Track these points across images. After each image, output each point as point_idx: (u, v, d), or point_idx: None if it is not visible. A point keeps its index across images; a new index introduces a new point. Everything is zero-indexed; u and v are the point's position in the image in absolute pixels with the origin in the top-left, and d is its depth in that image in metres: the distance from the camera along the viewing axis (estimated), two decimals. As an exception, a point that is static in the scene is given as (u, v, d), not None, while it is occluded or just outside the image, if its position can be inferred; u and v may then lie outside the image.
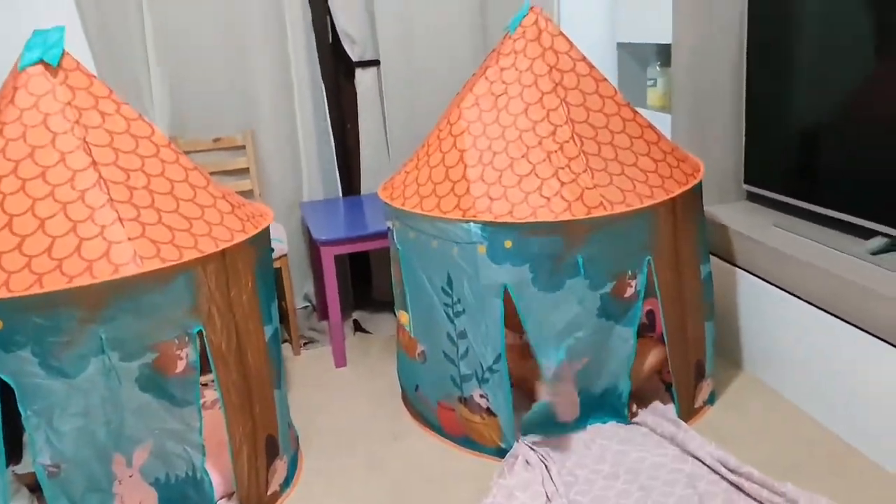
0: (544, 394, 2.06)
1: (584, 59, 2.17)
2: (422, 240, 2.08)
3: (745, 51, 2.51)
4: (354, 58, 2.91)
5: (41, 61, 1.72)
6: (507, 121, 2.08)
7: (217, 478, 1.89)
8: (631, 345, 2.07)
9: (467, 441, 2.18)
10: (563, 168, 2.00)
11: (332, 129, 2.96)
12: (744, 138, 2.58)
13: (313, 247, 2.95)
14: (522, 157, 2.03)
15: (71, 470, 1.64)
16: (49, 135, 1.69)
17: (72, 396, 1.60)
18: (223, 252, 1.77)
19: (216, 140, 2.84)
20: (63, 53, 1.75)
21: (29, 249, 1.57)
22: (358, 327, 3.01)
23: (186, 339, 1.72)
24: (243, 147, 2.87)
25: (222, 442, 1.86)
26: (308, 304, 3.04)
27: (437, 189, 2.07)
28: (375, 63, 2.93)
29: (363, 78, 2.93)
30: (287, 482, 2.06)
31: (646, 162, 2.09)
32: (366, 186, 3.03)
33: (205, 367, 1.78)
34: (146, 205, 1.72)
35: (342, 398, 2.51)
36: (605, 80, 2.17)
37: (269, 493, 1.98)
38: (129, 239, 1.64)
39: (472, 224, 1.96)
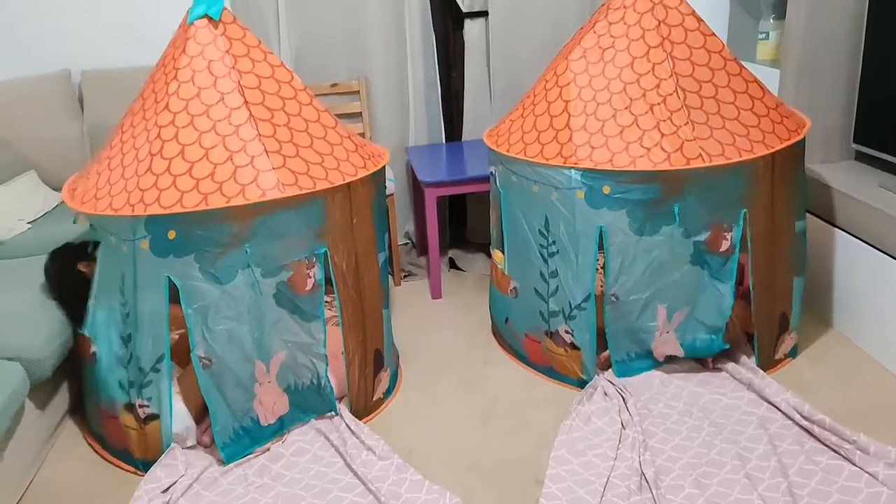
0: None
1: (692, 13, 2.23)
2: (523, 184, 2.24)
3: (867, 2, 2.45)
4: (464, 8, 3.04)
5: (206, 16, 1.98)
6: (613, 73, 2.18)
7: (333, 384, 2.16)
8: (728, 301, 2.15)
9: (550, 371, 2.37)
10: (664, 120, 2.10)
11: (438, 77, 3.12)
12: (857, 95, 2.53)
13: (416, 188, 3.16)
14: (626, 108, 2.14)
15: (220, 365, 1.93)
16: (212, 78, 1.95)
17: (223, 300, 1.89)
18: (348, 185, 2.00)
19: (333, 85, 3.07)
20: (223, 9, 2.00)
21: (197, 173, 1.85)
22: (452, 265, 3.22)
23: (314, 259, 1.97)
24: (357, 92, 3.09)
25: (337, 353, 2.12)
26: (408, 240, 3.27)
27: (541, 137, 2.21)
28: (484, 14, 3.06)
29: (471, 28, 3.07)
30: (389, 391, 2.32)
31: (748, 117, 2.15)
32: (467, 133, 3.20)
33: (325, 289, 2.03)
34: (286, 140, 1.96)
35: (438, 325, 2.75)
36: (713, 34, 2.22)
37: (374, 399, 2.24)
38: (274, 168, 1.89)
39: (572, 171, 2.11)
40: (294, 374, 2.05)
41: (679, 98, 2.13)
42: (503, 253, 2.44)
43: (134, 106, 2.05)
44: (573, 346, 2.27)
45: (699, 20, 2.24)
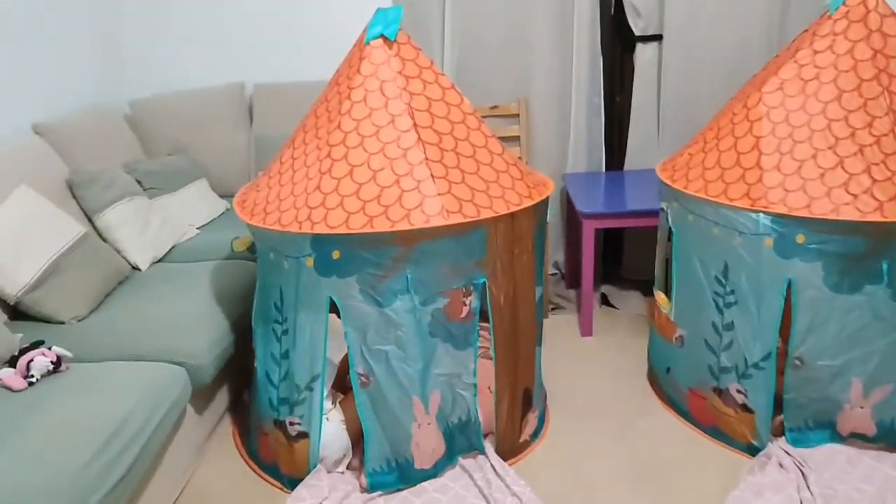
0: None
1: (915, 43, 1.95)
2: (701, 224, 2.05)
3: None
4: (637, 31, 2.89)
5: (382, 35, 1.96)
6: (815, 108, 1.95)
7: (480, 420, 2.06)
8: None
9: (716, 431, 2.15)
10: (877, 164, 1.85)
11: (603, 102, 2.98)
12: None
13: (571, 217, 3.03)
14: (829, 148, 1.90)
15: (378, 386, 1.89)
16: (383, 99, 1.93)
17: (382, 322, 1.85)
18: (512, 214, 1.91)
19: (493, 107, 3.01)
20: (399, 29, 1.98)
21: (364, 195, 1.83)
22: (604, 301, 3.05)
23: (472, 288, 1.90)
24: (517, 115, 3.01)
25: (485, 388, 2.03)
26: (557, 271, 3.14)
27: (726, 175, 2.02)
28: (657, 38, 2.88)
29: (643, 52, 2.90)
30: (536, 434, 2.20)
31: (979, 166, 1.85)
32: (630, 162, 3.02)
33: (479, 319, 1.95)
34: (453, 165, 1.91)
35: (588, 366, 2.59)
36: (940, 69, 1.93)
37: (520, 440, 2.13)
38: (439, 194, 1.84)
39: (761, 214, 1.90)
40: (448, 413, 1.98)
41: (895, 139, 1.86)
42: (669, 295, 2.25)
43: (307, 122, 2.07)
44: (745, 408, 2.04)
45: (924, 50, 1.96)
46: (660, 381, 2.38)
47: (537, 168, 3.02)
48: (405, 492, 1.95)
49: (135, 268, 2.57)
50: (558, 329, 2.84)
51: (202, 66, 3.32)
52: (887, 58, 1.93)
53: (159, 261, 2.67)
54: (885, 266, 1.82)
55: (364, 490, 1.95)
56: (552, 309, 3.00)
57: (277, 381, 1.98)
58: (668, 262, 2.37)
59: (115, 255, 2.51)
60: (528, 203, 1.96)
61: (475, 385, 1.97)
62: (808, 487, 1.88)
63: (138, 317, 2.17)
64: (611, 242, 3.18)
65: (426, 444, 1.95)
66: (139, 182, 2.80)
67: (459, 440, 2.02)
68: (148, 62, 3.33)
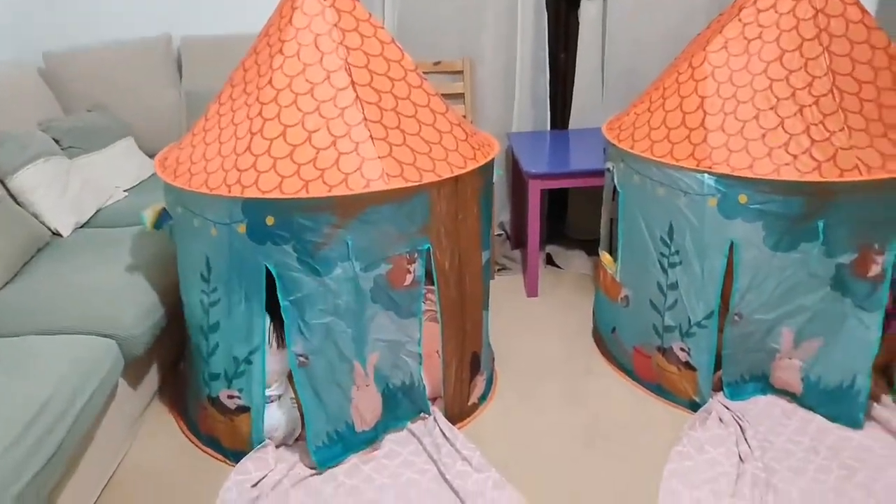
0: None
1: (856, 2, 1.97)
2: (646, 185, 2.05)
3: None
4: (581, -13, 2.83)
5: (314, -17, 1.83)
6: (758, 68, 1.95)
7: (426, 384, 2.04)
8: (874, 335, 1.90)
9: (659, 388, 2.19)
10: (816, 124, 1.87)
11: (548, 60, 2.93)
12: None
13: (516, 177, 3.00)
14: (771, 108, 1.91)
15: (316, 363, 1.82)
16: (318, 54, 1.82)
17: (321, 292, 1.77)
18: (456, 178, 1.84)
19: (436, 63, 2.92)
20: None
21: (298, 158, 1.73)
22: (549, 261, 3.05)
23: (416, 254, 1.84)
24: (461, 72, 2.93)
25: (432, 352, 2.00)
26: (502, 232, 3.12)
27: (671, 135, 2.01)
28: (601, -6, 2.84)
29: (587, 9, 2.86)
30: (484, 397, 2.19)
31: (914, 126, 1.89)
32: (575, 121, 3.00)
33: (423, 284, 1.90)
34: (394, 126, 1.82)
35: (535, 327, 2.59)
36: (879, 28, 1.96)
37: (469, 403, 2.12)
38: (379, 157, 1.75)
39: (705, 175, 1.90)
40: (388, 375, 1.94)
41: (835, 100, 1.89)
42: (614, 256, 2.26)
43: (234, 77, 1.93)
44: (688, 366, 2.09)
45: (863, 11, 1.97)
46: (605, 340, 2.41)
47: (482, 127, 2.96)
48: (354, 459, 1.92)
49: (55, 233, 2.41)
50: (504, 290, 2.83)
51: (123, 15, 3.09)
52: (828, 17, 1.94)
53: (83, 226, 2.51)
54: (821, 225, 1.86)
55: (311, 465, 1.90)
56: (498, 270, 2.98)
57: (207, 355, 1.89)
58: (612, 223, 2.38)
59: (31, 219, 2.33)
60: (472, 165, 1.89)
61: (420, 354, 1.93)
62: (746, 441, 1.94)
63: (61, 287, 2.03)
64: (556, 202, 3.17)
65: (364, 405, 1.91)
66: (56, 141, 2.61)
67: (404, 403, 1.99)
68: (62, 10, 3.08)
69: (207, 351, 1.89)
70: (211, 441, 2.00)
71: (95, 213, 2.58)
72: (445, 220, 1.86)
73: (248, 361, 1.85)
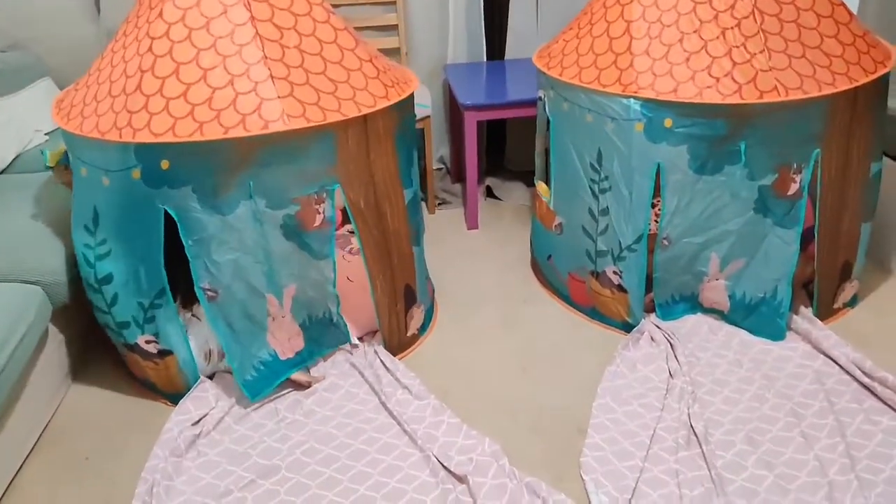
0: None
1: (778, -77, 1.96)
2: (575, 112, 2.06)
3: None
4: (514, -89, 2.76)
5: None
6: (683, -9, 1.95)
7: (354, 320, 2.06)
8: (793, 249, 1.98)
9: (594, 312, 2.26)
10: (737, 47, 1.89)
11: (482, -11, 2.88)
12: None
13: (454, 110, 2.97)
14: (694, 31, 1.92)
15: (227, 297, 1.80)
16: None
17: (226, 231, 1.74)
18: (364, 117, 1.78)
19: (367, -7, 2.83)
20: None
21: (192, 98, 1.65)
22: (489, 193, 3.07)
23: (325, 195, 1.80)
24: (394, 3, 2.85)
25: (365, 286, 2.01)
26: (442, 165, 3.11)
27: (598, 61, 2.01)
28: (535, -82, 2.78)
29: (521, -66, 2.79)
30: (424, 328, 2.23)
31: (831, 45, 1.93)
32: (511, 51, 2.97)
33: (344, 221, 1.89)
34: (296, 64, 1.74)
35: (474, 259, 2.63)
36: (800, -51, 1.96)
37: (408, 334, 2.15)
38: (279, 97, 1.67)
39: (631, 100, 1.92)
40: (308, 308, 1.95)
41: (756, 21, 1.90)
42: (549, 186, 2.29)
43: (131, 12, 1.82)
44: (620, 289, 2.15)
45: (785, -71, 1.97)
46: (542, 268, 2.46)
47: (417, 59, 2.91)
48: (295, 393, 1.95)
49: (-26, 181, 2.31)
50: (445, 224, 2.85)
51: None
52: (752, -63, 1.94)
53: (3, 172, 2.41)
54: (742, 146, 1.90)
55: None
56: (438, 204, 2.99)
57: (107, 306, 1.85)
58: (547, 153, 2.39)
59: (-53, 167, 2.24)
60: (383, 104, 1.82)
61: (336, 295, 1.94)
62: (676, 357, 2.03)
63: (-18, 235, 1.96)
64: (494, 135, 3.17)
65: (281, 334, 1.92)
66: (-31, 84, 2.48)
67: (328, 332, 2.02)
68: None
69: (106, 302, 1.85)
70: (146, 384, 2.00)
71: (15, 158, 2.47)
72: (356, 159, 1.81)
73: (156, 306, 1.82)
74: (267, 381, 1.93)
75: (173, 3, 1.70)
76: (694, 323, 2.19)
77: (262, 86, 1.68)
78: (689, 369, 1.99)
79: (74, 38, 2.87)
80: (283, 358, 1.94)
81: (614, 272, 2.15)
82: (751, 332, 2.12)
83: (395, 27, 2.88)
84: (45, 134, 2.63)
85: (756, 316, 2.11)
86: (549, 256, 2.37)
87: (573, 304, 2.33)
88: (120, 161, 1.66)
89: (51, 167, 1.90)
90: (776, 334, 2.09)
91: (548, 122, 2.22)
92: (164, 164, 1.64)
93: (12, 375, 1.66)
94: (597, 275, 2.19)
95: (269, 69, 1.69)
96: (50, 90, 2.78)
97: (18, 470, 1.76)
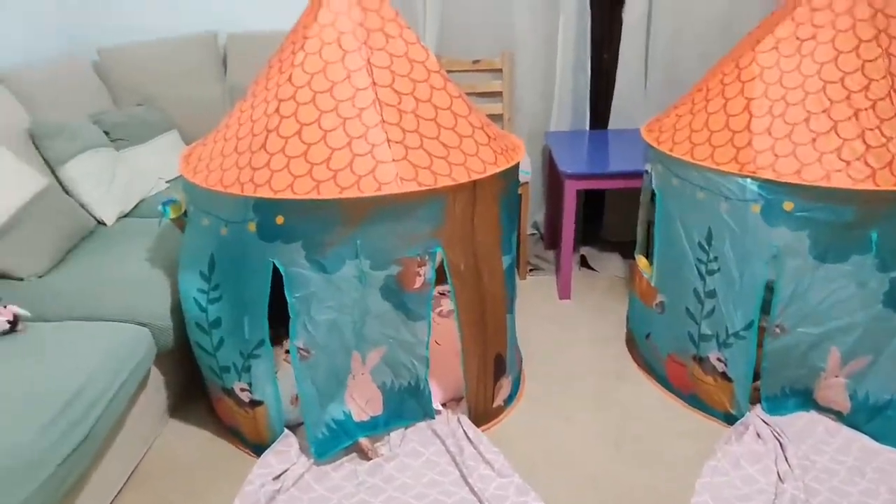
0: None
1: (919, 3, 1.86)
2: (686, 189, 1.98)
3: None
4: (628, -16, 2.77)
5: (342, -20, 1.80)
6: (811, 69, 1.86)
7: (439, 385, 2.01)
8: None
9: (694, 399, 2.12)
10: (872, 129, 1.77)
11: (589, 58, 2.87)
12: None
13: (553, 176, 2.95)
14: (823, 112, 1.82)
15: (318, 356, 1.83)
16: (340, 52, 1.79)
17: (328, 290, 1.76)
18: (474, 183, 1.79)
19: (475, 62, 2.89)
20: None
21: (312, 157, 1.71)
22: (583, 263, 3.00)
23: (427, 257, 1.80)
24: (500, 70, 2.89)
25: (454, 350, 1.98)
26: (536, 231, 3.07)
27: (714, 138, 1.94)
28: (649, -9, 2.77)
29: (632, 6, 2.78)
30: (510, 399, 2.16)
31: (976, 134, 1.78)
32: (615, 121, 2.93)
33: (443, 278, 1.87)
34: (412, 129, 1.77)
35: (565, 329, 2.55)
36: (942, 31, 1.85)
37: (494, 405, 2.09)
38: (394, 160, 1.71)
39: (748, 180, 1.83)
40: (392, 372, 1.92)
41: (893, 103, 1.79)
42: (650, 260, 2.20)
43: (260, 74, 1.92)
44: (724, 377, 2.01)
45: (926, 11, 1.87)
46: (639, 346, 2.35)
47: (520, 126, 2.93)
48: (378, 459, 1.92)
49: (100, 222, 2.47)
50: (536, 291, 2.79)
51: (174, 14, 3.15)
52: (887, 17, 1.84)
53: (126, 215, 2.57)
54: (874, 236, 1.76)
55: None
56: (530, 270, 2.94)
57: (212, 350, 1.90)
58: (649, 226, 2.31)
59: (78, 209, 2.40)
60: (492, 170, 1.83)
61: (427, 358, 1.91)
62: (787, 459, 1.86)
63: (102, 275, 2.08)
64: (592, 203, 3.11)
65: (360, 395, 1.90)
66: (106, 133, 2.68)
67: (409, 403, 1.98)
68: (119, 7, 3.16)
69: (212, 345, 1.90)
70: (234, 431, 2.02)
71: (138, 203, 2.63)
72: (461, 224, 1.82)
73: (255, 356, 1.85)
74: (336, 441, 1.91)
75: (302, 68, 1.78)
76: (807, 422, 2.01)
77: (378, 148, 1.72)
78: (802, 474, 1.81)
79: (201, 95, 3.07)
80: (356, 420, 1.92)
81: (718, 359, 2.02)
82: (874, 437, 1.93)
83: (499, 94, 2.92)
84: (167, 182, 2.80)
85: (881, 420, 1.91)
86: (648, 335, 2.26)
87: (670, 388, 2.20)
88: (238, 213, 1.73)
89: (172, 219, 2.01)
90: (900, 445, 1.89)
91: (653, 195, 2.15)
92: (279, 220, 1.69)
93: (115, 413, 1.71)
94: (699, 360, 2.06)
95: (385, 133, 1.73)
96: (175, 142, 2.97)
97: (108, 508, 1.80)
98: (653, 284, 2.19)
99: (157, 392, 2.04)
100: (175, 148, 2.96)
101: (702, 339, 2.04)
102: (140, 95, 3.01)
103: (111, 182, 2.54)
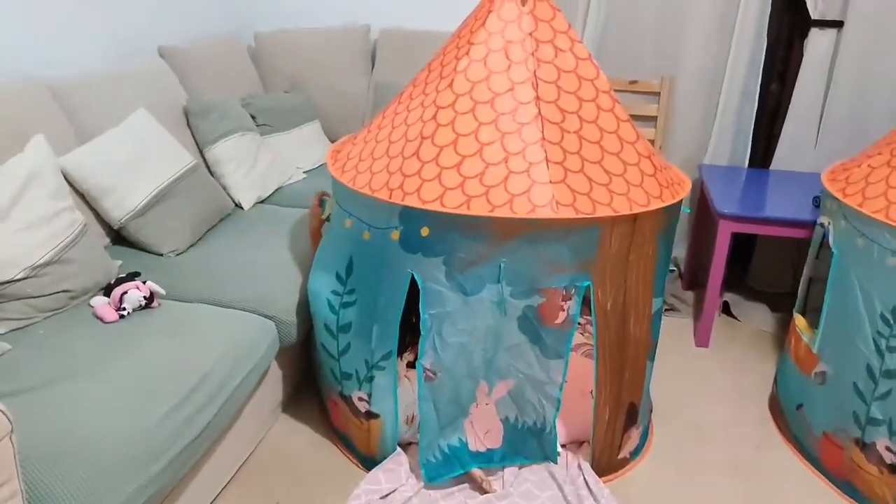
0: None
1: None
2: (873, 252, 1.74)
3: None
4: (814, 15, 2.51)
5: (517, -14, 1.70)
6: None
7: (561, 424, 1.87)
8: None
9: (849, 487, 1.87)
10: None
11: (759, 90, 2.63)
12: None
13: (702, 213, 2.74)
14: None
15: (444, 379, 1.73)
16: (506, 62, 1.69)
17: (463, 311, 1.66)
18: (635, 216, 1.64)
19: (632, 82, 2.72)
20: None
21: (466, 170, 1.61)
22: (725, 309, 2.75)
23: (573, 291, 1.66)
24: (657, 94, 2.71)
25: (580, 390, 1.83)
26: (675, 268, 2.86)
27: (917, 196, 1.69)
28: (837, 24, 2.50)
29: (817, 39, 2.53)
30: (637, 451, 1.99)
31: None
32: (779, 160, 2.68)
33: (583, 312, 1.72)
34: (573, 150, 1.65)
35: (701, 382, 2.33)
36: None
37: (619, 456, 1.93)
38: (551, 182, 1.59)
39: (958, 250, 1.58)
40: (517, 407, 1.80)
41: None
42: (813, 324, 1.96)
43: (419, 76, 1.84)
44: (893, 470, 1.76)
45: None
46: (786, 415, 2.11)
47: (672, 155, 2.73)
48: (490, 495, 1.80)
49: (237, 205, 2.51)
50: (670, 333, 2.58)
51: (331, 2, 3.18)
52: None
53: (262, 201, 2.60)
54: None
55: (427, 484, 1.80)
56: (666, 310, 2.74)
57: (337, 354, 1.84)
58: (813, 282, 2.07)
59: (220, 190, 2.44)
60: (657, 204, 1.67)
61: (559, 400, 1.77)
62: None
63: (236, 260, 2.09)
64: (740, 245, 2.86)
65: (480, 424, 1.79)
66: (253, 117, 2.72)
67: (531, 443, 1.84)
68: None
69: (338, 349, 1.85)
70: (343, 437, 1.97)
71: (275, 190, 2.66)
72: (614, 259, 1.66)
73: (379, 367, 1.78)
74: (448, 468, 1.81)
75: (465, 75, 1.69)
76: None
77: (535, 168, 1.60)
78: None
79: (345, 87, 3.08)
80: (472, 449, 1.81)
81: (888, 448, 1.76)
82: None
83: (653, 118, 2.73)
84: (304, 172, 2.81)
85: None
86: (800, 405, 2.02)
87: (821, 469, 1.95)
88: (383, 219, 1.66)
89: (325, 219, 1.97)
90: None
91: (821, 249, 1.91)
92: (424, 231, 1.61)
93: (237, 403, 1.70)
94: (863, 445, 1.81)
95: (545, 151, 1.62)
96: (316, 132, 2.99)
97: (214, 499, 1.78)
98: (814, 350, 1.95)
99: (274, 386, 2.03)
100: (316, 139, 2.98)
101: (869, 423, 1.79)
102: (288, 82, 3.06)
103: (252, 167, 2.57)
